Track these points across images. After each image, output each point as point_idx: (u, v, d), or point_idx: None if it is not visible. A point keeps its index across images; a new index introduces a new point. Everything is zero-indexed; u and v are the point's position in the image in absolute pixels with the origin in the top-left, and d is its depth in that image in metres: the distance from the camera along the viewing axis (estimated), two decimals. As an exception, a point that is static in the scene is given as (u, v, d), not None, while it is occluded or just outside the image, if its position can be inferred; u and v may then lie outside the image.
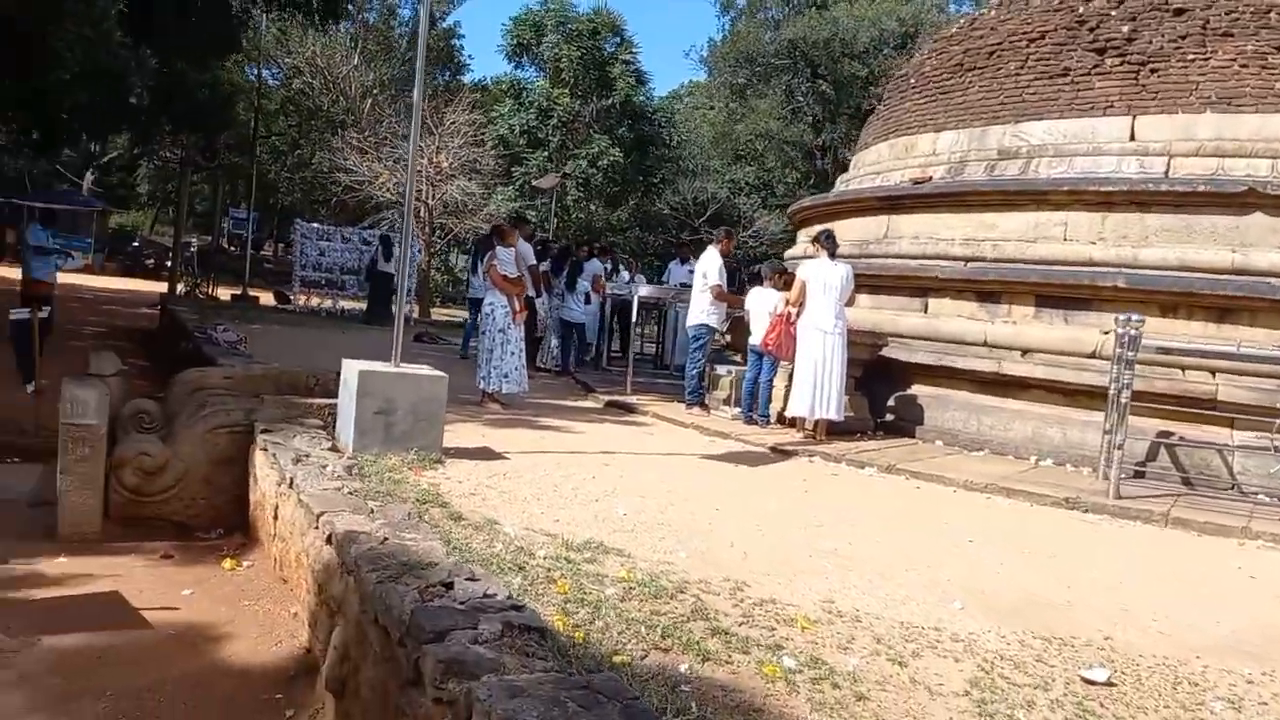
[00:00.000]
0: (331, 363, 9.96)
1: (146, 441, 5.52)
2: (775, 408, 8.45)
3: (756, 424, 8.31)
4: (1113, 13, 9.34)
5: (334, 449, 5.33)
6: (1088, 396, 7.75)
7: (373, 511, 3.94)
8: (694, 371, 8.77)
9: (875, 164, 11.19)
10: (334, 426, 5.92)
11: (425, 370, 5.93)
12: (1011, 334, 8.35)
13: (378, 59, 36.68)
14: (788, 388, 8.39)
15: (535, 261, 11.05)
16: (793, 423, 8.39)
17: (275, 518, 4.78)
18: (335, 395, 7.46)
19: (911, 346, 8.85)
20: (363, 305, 17.86)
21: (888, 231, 10.04)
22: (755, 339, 8.34)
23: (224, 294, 21.29)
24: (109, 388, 5.36)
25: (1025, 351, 8.26)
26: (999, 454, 7.81)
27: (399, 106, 36.68)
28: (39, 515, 5.45)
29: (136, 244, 33.80)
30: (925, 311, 9.15)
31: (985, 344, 8.50)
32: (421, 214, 28.09)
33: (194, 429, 5.62)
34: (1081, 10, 9.54)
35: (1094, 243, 8.40)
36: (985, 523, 5.55)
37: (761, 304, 8.34)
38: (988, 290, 8.68)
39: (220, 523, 5.69)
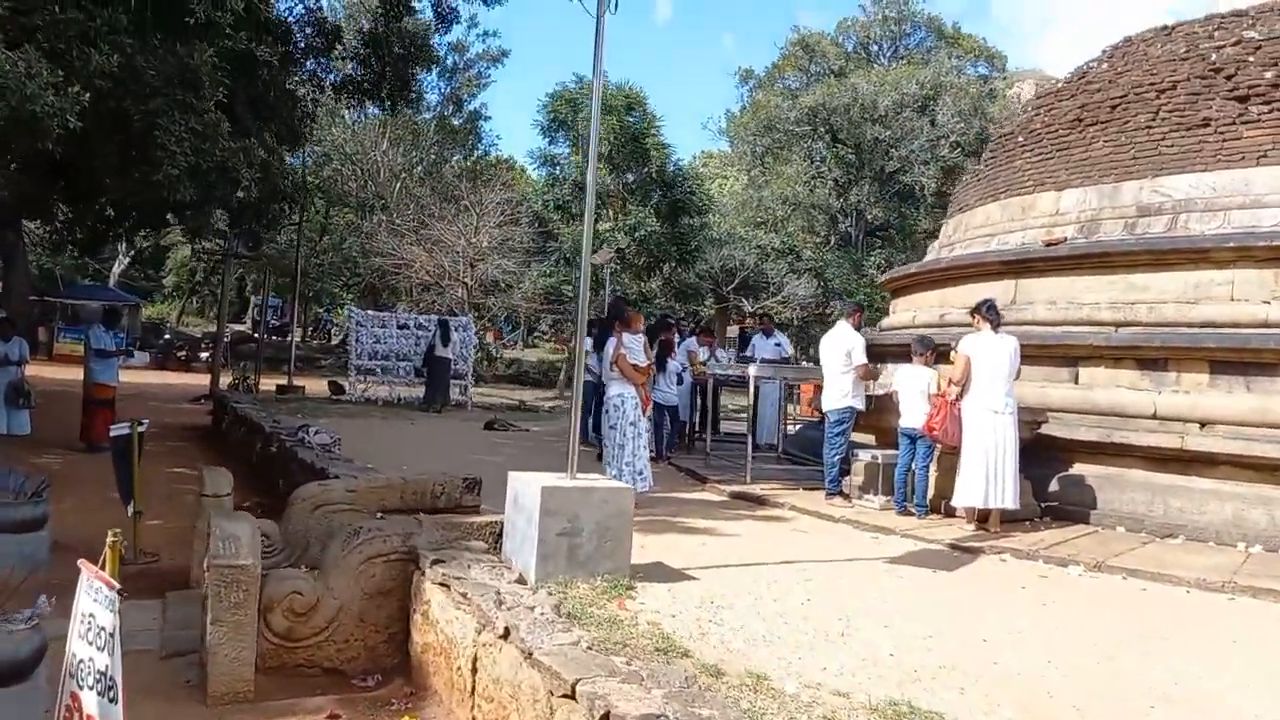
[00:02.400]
0: (421, 459, 9.35)
1: (298, 578, 4.80)
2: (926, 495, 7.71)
3: (912, 515, 7.54)
4: (1250, 58, 8.81)
5: (520, 580, 4.59)
6: (1289, 472, 7.00)
7: (643, 679, 3.21)
8: (836, 458, 8.03)
9: (985, 226, 10.60)
10: (500, 549, 5.20)
11: (608, 482, 5.24)
12: (1188, 405, 7.61)
13: (405, 143, 36.77)
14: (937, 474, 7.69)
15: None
16: (949, 512, 7.64)
17: (474, 670, 4.03)
18: (461, 504, 6.84)
19: (1066, 421, 8.12)
20: (418, 393, 17.25)
21: (1015, 297, 9.39)
22: (907, 421, 7.63)
23: (268, 385, 20.74)
24: (250, 521, 4.66)
25: (1204, 424, 7.52)
26: (1196, 540, 7.00)
27: (427, 189, 36.75)
28: (177, 668, 4.70)
29: (168, 336, 33.45)
30: (1075, 382, 8.44)
31: (1154, 416, 7.77)
32: (460, 294, 27.81)
33: (348, 559, 4.91)
34: (1215, 58, 9.02)
35: (1268, 302, 7.72)
36: (1264, 632, 4.77)
37: (912, 382, 7.65)
38: (1151, 357, 7.97)
39: (377, 667, 4.93)
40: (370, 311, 18.82)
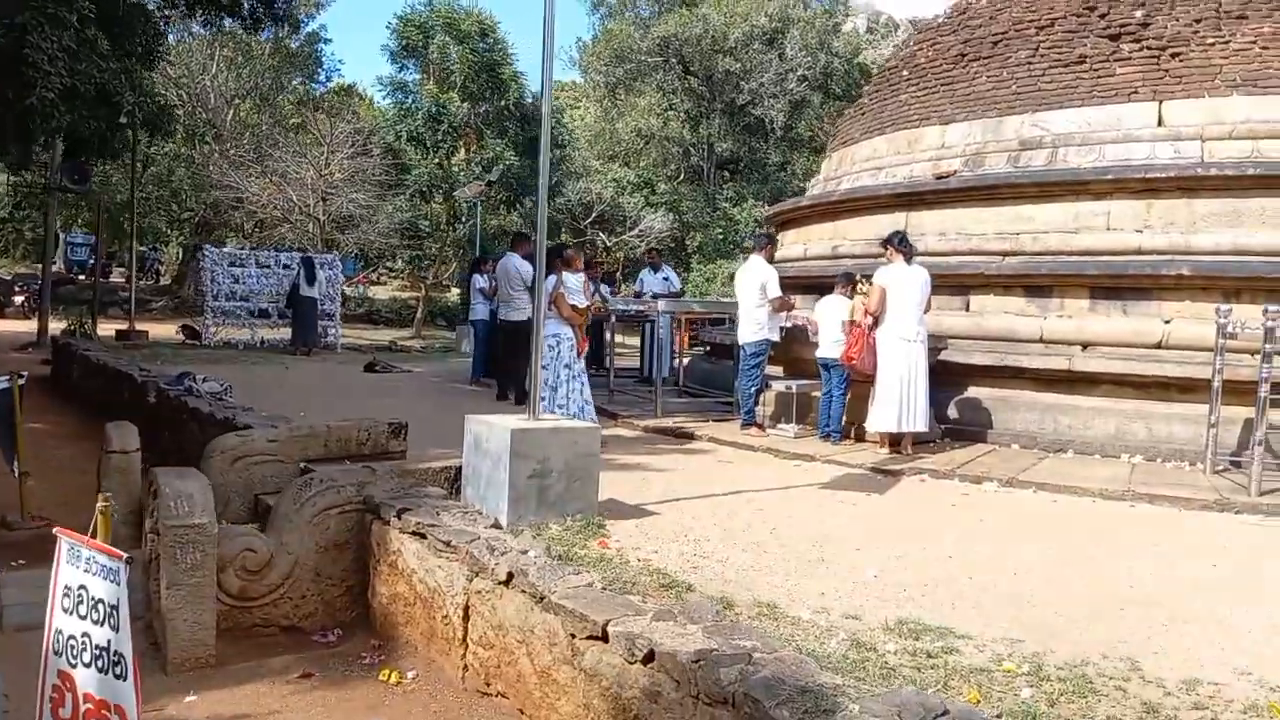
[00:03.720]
0: (314, 405, 8.90)
1: (249, 535, 4.50)
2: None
3: (829, 441, 7.80)
4: (1121, -2, 9.33)
5: (496, 525, 4.47)
6: (1161, 389, 7.64)
7: (675, 615, 3.19)
8: (752, 389, 8.18)
9: (872, 160, 10.89)
10: (459, 494, 5.04)
11: (575, 423, 5.15)
12: (1072, 329, 8.16)
13: (237, 66, 34.19)
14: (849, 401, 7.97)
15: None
16: (860, 436, 7.96)
17: (466, 618, 3.91)
18: (388, 450, 6.59)
19: (961, 347, 8.54)
20: (281, 335, 16.36)
21: (908, 229, 9.72)
22: (825, 351, 7.83)
23: (104, 330, 19.15)
24: (201, 478, 4.32)
25: (1086, 346, 8.09)
26: (1084, 454, 7.56)
27: (265, 117, 34.42)
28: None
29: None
30: (967, 310, 8.88)
31: (1041, 340, 8.29)
32: (311, 229, 26.37)
33: (301, 512, 4.63)
34: (1089, -3, 9.49)
35: (1140, 231, 8.32)
36: (1173, 537, 5.23)
37: (831, 314, 7.85)
38: (1037, 284, 8.47)
39: (335, 621, 4.72)
40: (227, 249, 17.58)
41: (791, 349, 8.73)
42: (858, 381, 7.82)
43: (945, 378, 8.47)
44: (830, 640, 3.24)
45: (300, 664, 4.25)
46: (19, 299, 26.03)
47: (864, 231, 10.24)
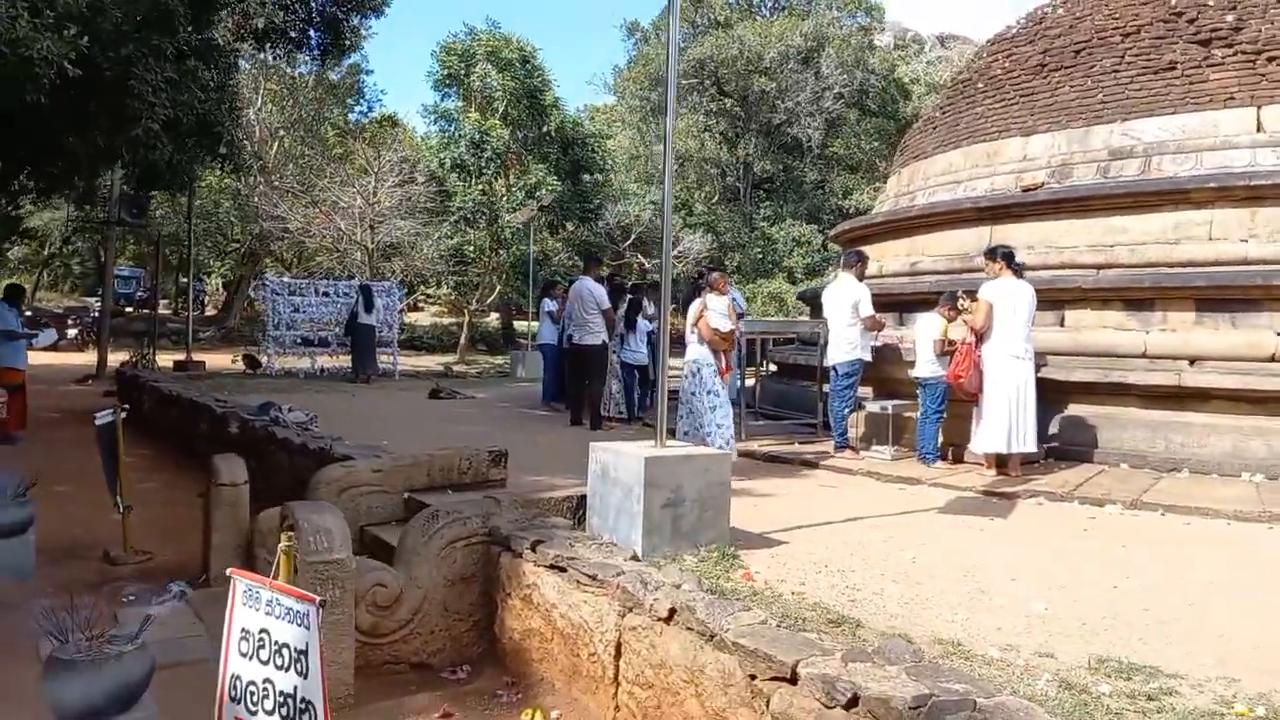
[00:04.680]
0: (393, 433, 8.79)
1: (380, 569, 4.36)
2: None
3: (926, 463, 7.55)
4: (1209, 2, 9.08)
5: (634, 558, 4.29)
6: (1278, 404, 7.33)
7: (871, 655, 2.98)
8: (845, 412, 7.96)
9: (947, 173, 10.68)
10: (582, 523, 4.87)
11: (707, 450, 4.97)
12: (1178, 343, 7.86)
13: (281, 99, 34.68)
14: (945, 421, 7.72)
15: (609, 304, 10.10)
16: (958, 458, 7.71)
17: (617, 656, 3.73)
18: (489, 480, 6.45)
19: (1061, 364, 8.26)
20: (340, 364, 16.36)
21: (993, 243, 9.48)
22: (921, 371, 7.60)
23: (163, 360, 19.30)
24: (337, 512, 4.18)
25: (1194, 360, 7.79)
26: (1200, 473, 7.25)
27: (311, 149, 34.79)
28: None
29: (30, 313, 30.71)
30: (1062, 325, 8.61)
31: (1145, 355, 8.00)
32: (360, 257, 26.52)
33: (429, 545, 4.48)
34: (1175, 2, 9.26)
35: (1244, 240, 8.03)
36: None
37: (925, 332, 7.62)
38: (1138, 298, 8.19)
39: (463, 657, 4.55)
40: (286, 279, 17.66)
41: (881, 369, 8.50)
42: (955, 401, 7.58)
43: (1043, 395, 8.18)
44: (1036, 681, 3.01)
45: (437, 702, 4.09)
46: (72, 332, 26.34)
47: (944, 247, 10.02)
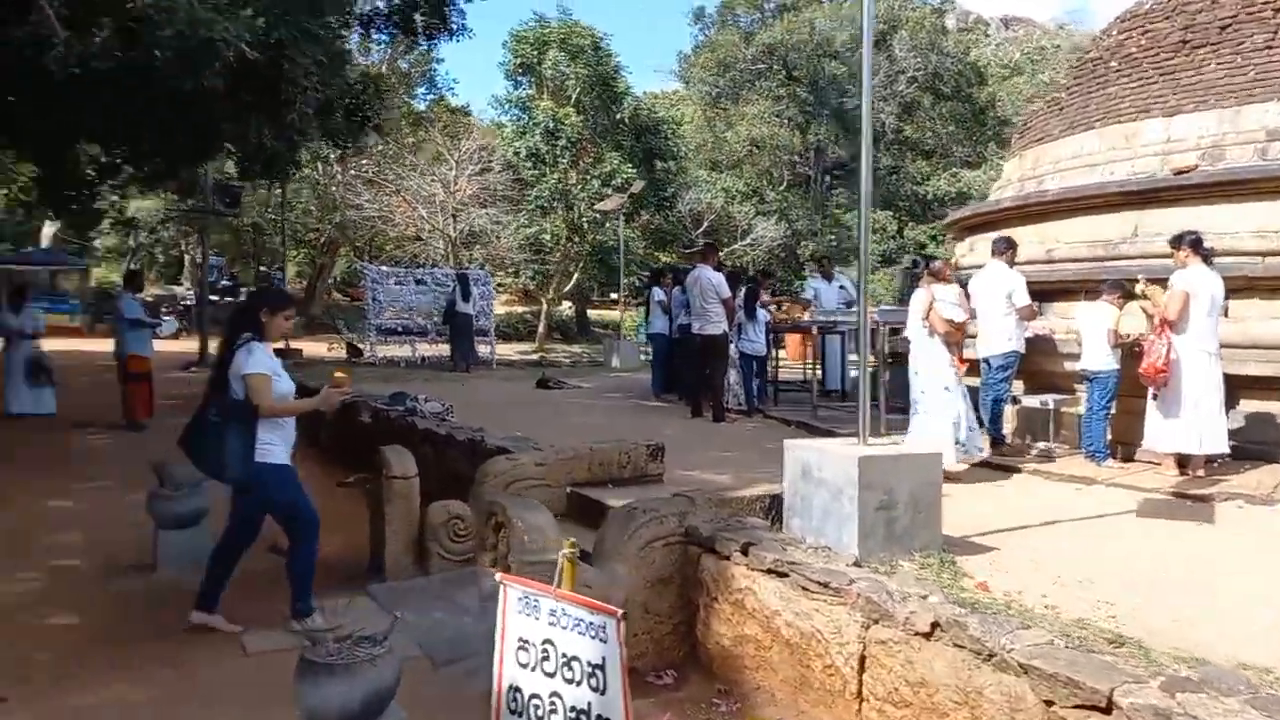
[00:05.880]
0: (516, 424, 8.68)
1: (587, 569, 4.21)
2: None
3: (1094, 461, 7.19)
4: (1377, -28, 8.52)
5: (857, 564, 4.08)
6: None
7: (1193, 683, 2.74)
8: (1000, 407, 7.63)
9: (1080, 157, 10.21)
10: (784, 526, 4.67)
11: (917, 449, 4.73)
12: (1366, 334, 7.38)
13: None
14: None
15: (729, 293, 9.86)
16: (1129, 457, 7.33)
17: (861, 670, 3.53)
18: (648, 474, 6.30)
19: (1231, 357, 7.78)
20: (439, 351, 16.38)
21: (1138, 230, 9.06)
22: (1089, 363, 7.23)
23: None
24: (546, 511, 4.05)
25: (1378, 354, 7.31)
26: None
27: (386, 136, 35.00)
28: (456, 678, 4.09)
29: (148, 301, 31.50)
30: (1225, 314, 8.15)
31: (1325, 348, 7.53)
32: (442, 246, 26.70)
33: (628, 545, 4.32)
34: (1337, -27, 8.70)
35: None
36: None
37: (1096, 322, 7.25)
38: (1314, 287, 7.71)
39: (665, 662, 4.39)
40: (385, 268, 17.77)
41: (1034, 360, 8.15)
42: (1123, 397, 7.22)
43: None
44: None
45: (652, 709, 3.93)
46: (171, 320, 26.93)
47: (1082, 233, 9.58)
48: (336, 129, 9.09)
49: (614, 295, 49.26)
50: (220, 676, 4.07)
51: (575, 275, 31.52)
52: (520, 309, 39.16)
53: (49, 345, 11.93)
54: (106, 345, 22.95)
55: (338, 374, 4.82)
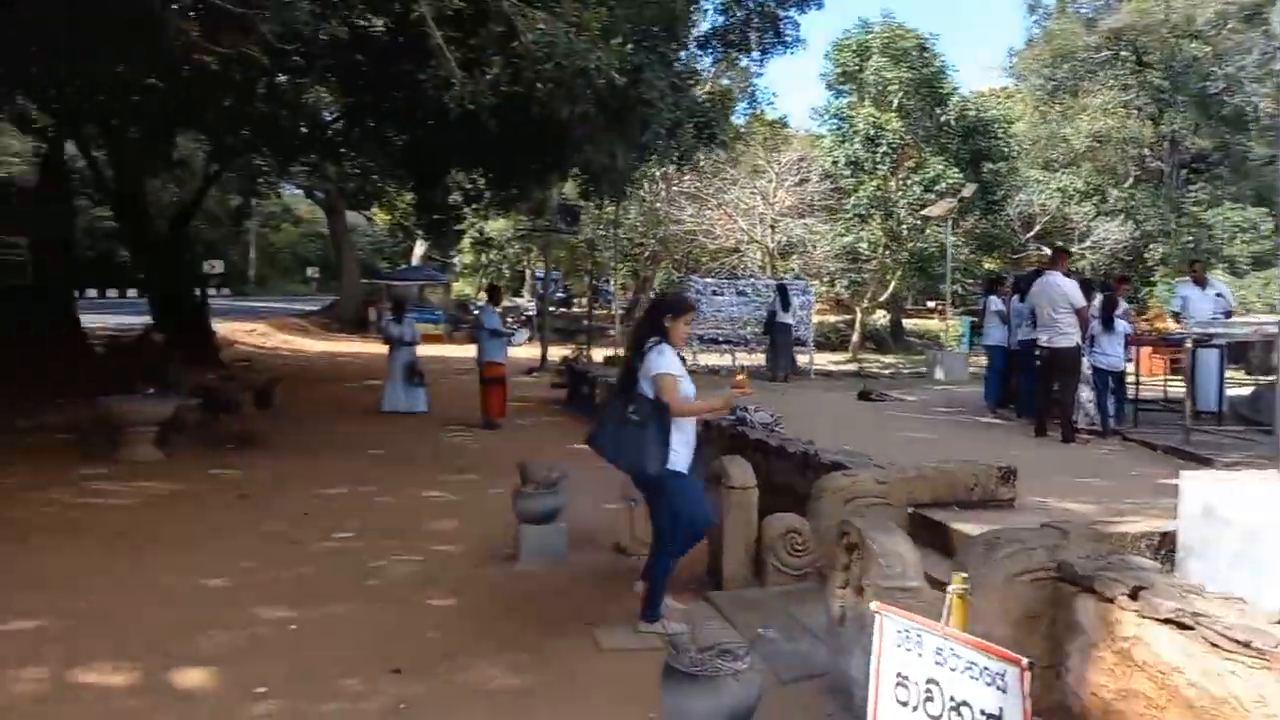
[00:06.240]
0: (838, 437, 8.42)
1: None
2: None
3: None
4: None
5: (1280, 620, 3.48)
6: None
7: None
8: None
9: None
10: (1176, 568, 4.13)
11: None
12: None
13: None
14: None
15: (1085, 302, 9.00)
16: None
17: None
18: (997, 499, 5.86)
19: None
20: (757, 361, 16.53)
21: None
22: None
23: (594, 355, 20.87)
24: (905, 536, 3.86)
25: None
26: None
27: (706, 150, 36.09)
28: (805, 695, 3.99)
29: (476, 311, 35.11)
30: None
31: None
32: (760, 256, 27.03)
33: (990, 577, 4.00)
34: None
35: None
36: None
37: None
38: None
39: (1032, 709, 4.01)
40: (709, 280, 18.37)
41: None
42: None
43: None
44: None
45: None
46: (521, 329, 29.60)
47: None
48: (686, 147, 9.43)
49: (930, 304, 47.14)
50: (578, 670, 4.28)
51: (892, 283, 30.57)
52: (832, 318, 38.68)
53: (419, 351, 13.48)
54: (463, 351, 25.66)
55: (739, 377, 4.96)
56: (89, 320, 16.50)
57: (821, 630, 4.50)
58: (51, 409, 10.40)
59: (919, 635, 2.53)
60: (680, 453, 4.62)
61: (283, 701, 3.70)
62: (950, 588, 2.67)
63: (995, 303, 11.33)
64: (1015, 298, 10.81)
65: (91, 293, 37.92)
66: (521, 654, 4.44)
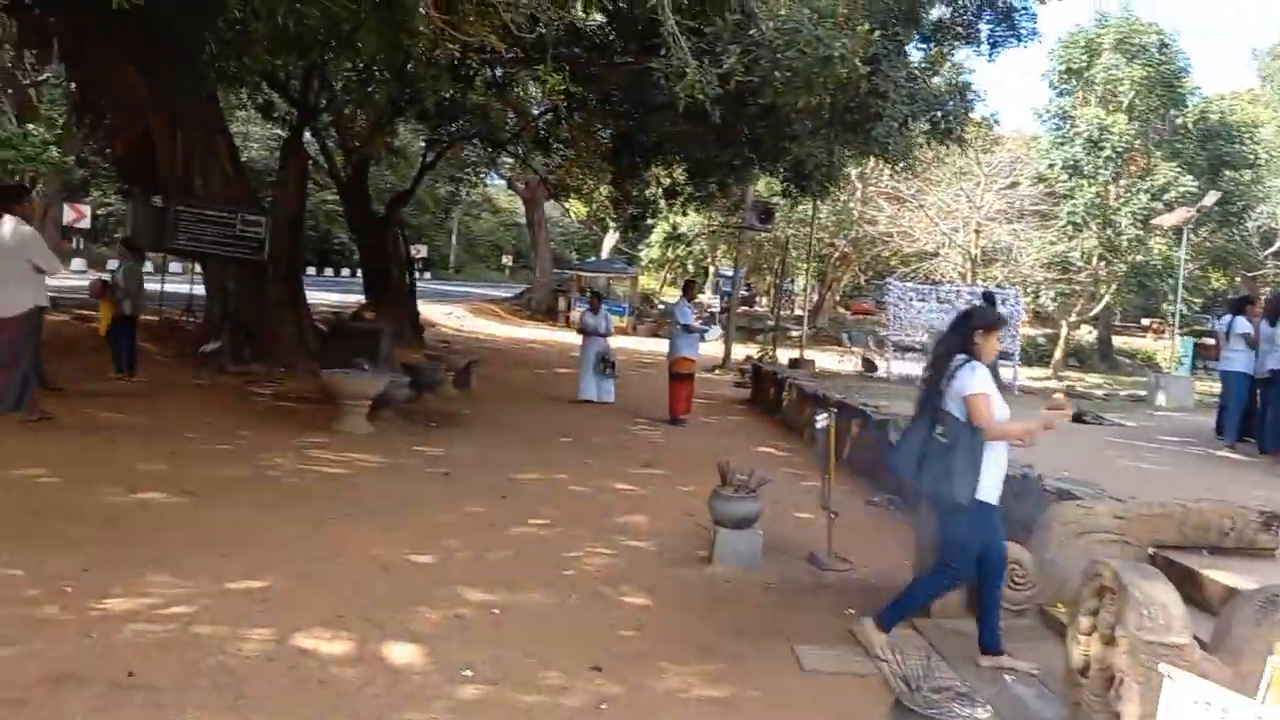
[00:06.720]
0: (1045, 459, 7.74)
1: (1207, 660, 3.50)
2: None
3: None
4: None
5: None
6: None
7: None
8: None
9: None
10: None
11: None
12: None
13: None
14: None
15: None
16: None
17: None
18: (1255, 547, 5.19)
19: None
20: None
21: None
22: None
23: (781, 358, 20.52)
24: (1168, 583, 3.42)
25: None
26: None
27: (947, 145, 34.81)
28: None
29: (660, 306, 35.51)
30: None
31: None
32: (961, 262, 25.79)
33: (1265, 639, 3.50)
34: None
35: None
36: None
37: None
38: None
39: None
40: (909, 284, 17.68)
41: None
42: None
43: None
44: None
45: None
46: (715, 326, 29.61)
47: None
48: (914, 143, 9.02)
49: (1144, 321, 43.54)
50: (779, 688, 4.08)
51: (1105, 298, 28.42)
52: (1031, 331, 36.48)
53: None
54: (646, 344, 25.86)
55: (1057, 395, 4.64)
56: (311, 296, 17.74)
57: (1050, 677, 4.10)
58: (285, 377, 11.20)
59: (1224, 706, 2.18)
60: (990, 481, 4.28)
61: (488, 688, 3.70)
62: (1271, 659, 2.29)
63: (1241, 324, 10.14)
64: (1264, 321, 9.67)
65: (311, 270, 40.91)
66: (719, 664, 4.28)
